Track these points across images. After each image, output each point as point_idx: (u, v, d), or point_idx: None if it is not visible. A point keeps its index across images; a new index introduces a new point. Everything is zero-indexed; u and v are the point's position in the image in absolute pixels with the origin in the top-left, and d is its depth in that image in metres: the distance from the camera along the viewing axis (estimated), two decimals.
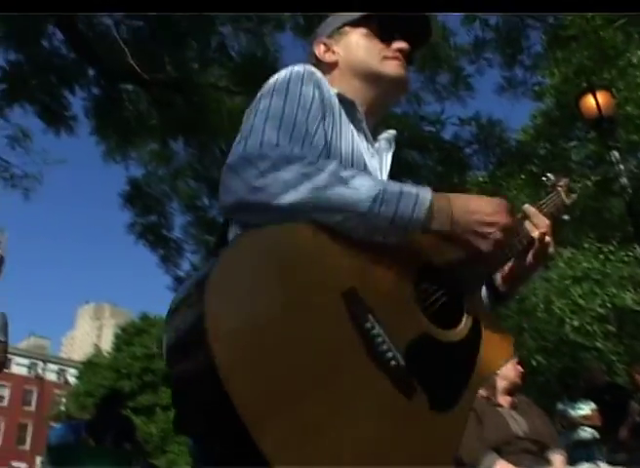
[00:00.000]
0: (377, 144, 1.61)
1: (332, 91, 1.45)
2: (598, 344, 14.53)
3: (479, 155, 8.35)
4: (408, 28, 1.61)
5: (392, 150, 1.64)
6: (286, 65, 1.49)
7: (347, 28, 1.63)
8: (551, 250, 1.54)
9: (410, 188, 1.22)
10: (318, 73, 1.44)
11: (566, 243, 15.02)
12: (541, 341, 15.58)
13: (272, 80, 1.41)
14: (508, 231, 1.30)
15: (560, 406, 7.82)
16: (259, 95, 1.39)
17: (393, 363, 1.10)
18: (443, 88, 8.92)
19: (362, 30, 1.60)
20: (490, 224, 1.27)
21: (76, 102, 7.86)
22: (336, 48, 1.62)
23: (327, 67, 1.60)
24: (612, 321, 15.40)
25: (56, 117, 7.66)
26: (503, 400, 3.83)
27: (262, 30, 7.86)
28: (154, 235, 9.40)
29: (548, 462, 3.69)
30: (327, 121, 1.38)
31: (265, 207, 1.14)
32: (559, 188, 1.77)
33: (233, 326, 0.98)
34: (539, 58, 8.76)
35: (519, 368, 4.03)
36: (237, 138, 1.30)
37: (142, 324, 39.20)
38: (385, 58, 1.56)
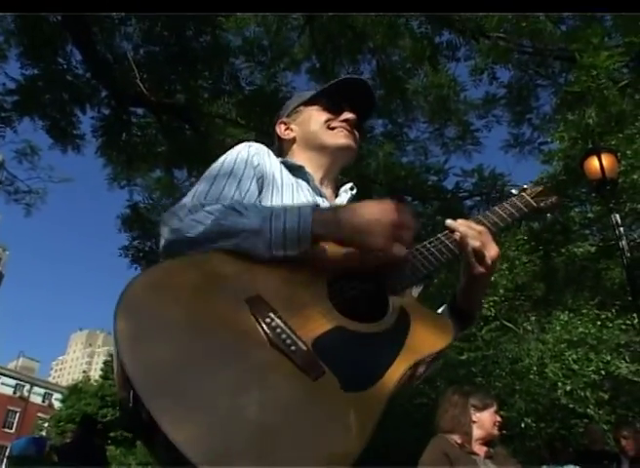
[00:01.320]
0: (338, 198, 1.86)
1: (275, 160, 1.72)
2: (590, 411, 14.31)
3: (480, 207, 8.37)
4: (353, 100, 1.85)
5: (349, 197, 1.86)
6: None
7: (302, 107, 1.91)
8: (492, 254, 1.54)
9: (296, 207, 1.39)
10: (257, 147, 1.69)
11: (564, 306, 14.94)
12: (532, 404, 15.35)
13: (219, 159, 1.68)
14: (400, 225, 1.37)
15: None
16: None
17: (293, 348, 1.19)
18: (450, 140, 9.03)
19: (313, 107, 1.88)
20: (377, 221, 1.35)
21: (85, 122, 7.95)
22: (293, 126, 1.91)
23: (287, 143, 1.91)
24: (606, 389, 15.21)
25: (64, 134, 7.73)
26: (479, 448, 3.74)
27: (276, 66, 7.98)
28: (149, 262, 9.20)
29: None
30: (265, 182, 1.62)
31: (182, 242, 1.38)
32: (523, 194, 1.81)
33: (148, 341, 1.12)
34: (548, 119, 8.84)
35: (497, 417, 3.94)
36: None
37: None
38: (330, 128, 1.82)
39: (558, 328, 15.51)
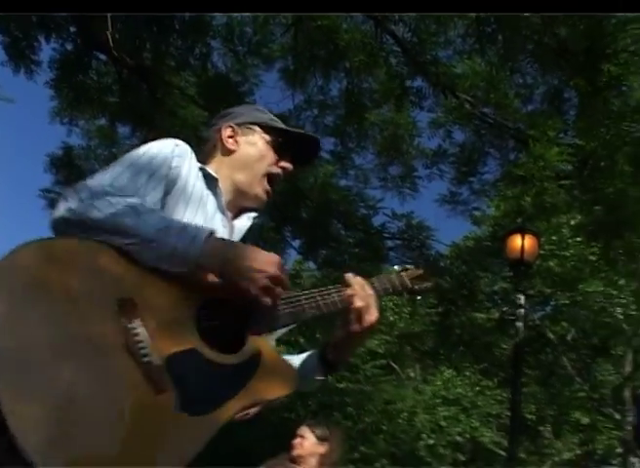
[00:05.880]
0: (238, 219, 1.85)
1: (194, 165, 1.72)
2: None
3: (398, 251, 8.54)
4: (298, 152, 1.88)
5: (250, 222, 1.88)
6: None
7: (257, 128, 1.86)
8: (372, 318, 1.63)
9: (193, 228, 1.47)
10: (182, 149, 1.69)
11: (450, 364, 15.37)
12: (393, 448, 15.69)
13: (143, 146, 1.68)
14: (277, 281, 1.46)
15: None
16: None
17: (146, 359, 1.27)
18: (391, 178, 9.15)
19: (266, 137, 1.85)
20: (258, 271, 1.44)
21: (45, 51, 7.71)
22: (239, 138, 1.84)
23: (224, 150, 1.84)
24: (465, 451, 15.67)
25: (21, 55, 7.48)
26: None
27: (249, 60, 7.98)
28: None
29: None
30: (175, 187, 1.63)
31: (74, 222, 1.42)
32: (402, 273, 1.89)
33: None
34: (487, 187, 9.10)
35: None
36: None
37: None
38: (266, 174, 1.82)
39: (439, 382, 15.94)
